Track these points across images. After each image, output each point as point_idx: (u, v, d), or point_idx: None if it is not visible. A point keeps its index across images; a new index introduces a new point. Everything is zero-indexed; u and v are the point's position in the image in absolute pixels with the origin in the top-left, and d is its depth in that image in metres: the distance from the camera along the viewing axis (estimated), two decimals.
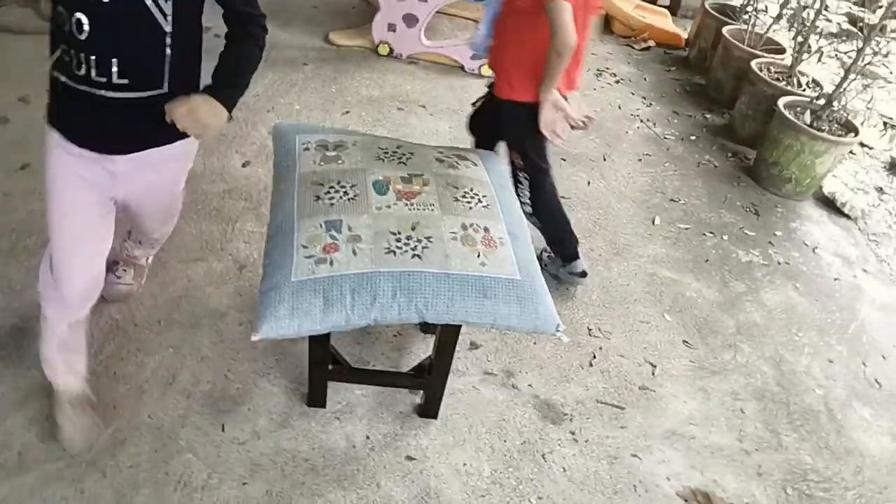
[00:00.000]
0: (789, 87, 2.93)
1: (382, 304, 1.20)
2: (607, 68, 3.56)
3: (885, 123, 3.47)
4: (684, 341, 2.00)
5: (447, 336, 1.43)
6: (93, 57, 1.08)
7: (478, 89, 3.09)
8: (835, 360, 2.04)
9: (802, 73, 3.05)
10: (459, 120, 2.87)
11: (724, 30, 3.38)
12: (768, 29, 3.31)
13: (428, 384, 1.57)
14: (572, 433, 1.66)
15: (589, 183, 2.61)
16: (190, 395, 1.58)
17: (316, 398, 1.58)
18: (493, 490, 1.51)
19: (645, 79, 3.55)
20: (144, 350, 1.66)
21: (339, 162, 1.43)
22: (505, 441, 1.61)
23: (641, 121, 3.13)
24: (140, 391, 1.56)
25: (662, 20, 4.11)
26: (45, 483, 1.36)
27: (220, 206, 2.14)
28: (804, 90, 2.95)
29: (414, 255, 1.26)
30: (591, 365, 1.86)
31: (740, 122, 3.10)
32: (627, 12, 3.96)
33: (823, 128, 2.65)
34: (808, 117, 2.67)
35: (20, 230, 1.90)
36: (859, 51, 2.64)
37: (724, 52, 3.35)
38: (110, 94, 1.13)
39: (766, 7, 3.45)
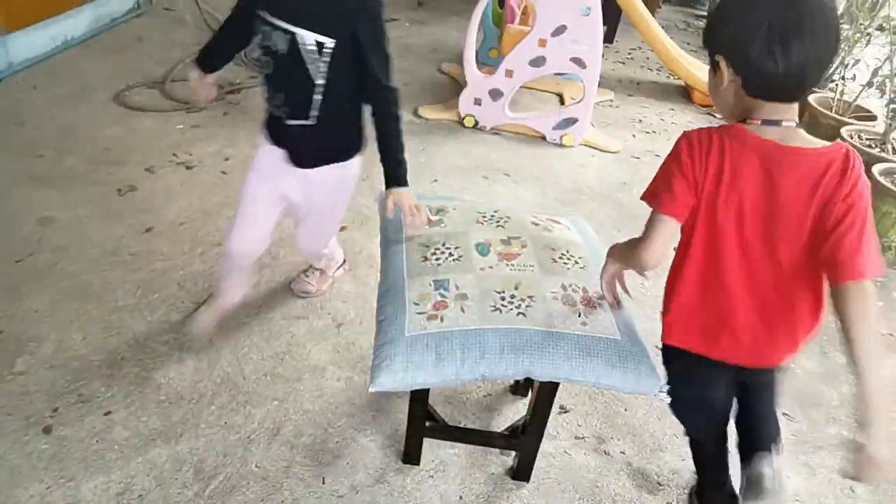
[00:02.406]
0: (883, 154, 2.87)
1: (490, 360, 1.25)
2: None
3: None
4: (784, 413, 1.92)
5: (544, 396, 1.45)
6: (272, 88, 1.53)
7: (559, 158, 3.21)
8: None
9: None
10: (542, 187, 2.96)
11: (811, 97, 3.36)
12: (857, 96, 3.28)
13: (522, 445, 1.58)
14: None
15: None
16: (293, 446, 1.65)
17: (411, 455, 1.62)
18: None
19: None
20: (252, 402, 1.76)
21: (442, 225, 1.53)
22: None
23: None
24: (248, 441, 1.65)
25: None
26: None
27: None
28: None
29: (519, 313, 1.31)
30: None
31: None
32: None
33: None
34: None
35: (144, 287, 2.09)
36: None
37: (812, 119, 3.33)
38: (279, 114, 1.57)
39: (855, 75, 3.42)
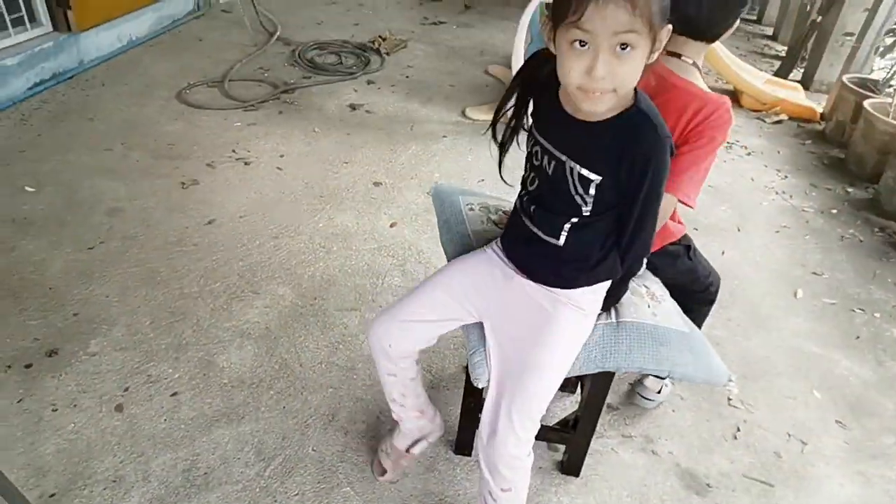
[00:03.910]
0: None
1: None
2: (737, 141, 3.55)
3: None
4: (837, 421, 1.90)
5: (598, 390, 1.48)
6: (527, 198, 1.28)
7: None
8: None
9: None
10: None
11: (866, 103, 3.29)
12: None
13: (573, 439, 1.61)
14: None
15: (723, 252, 2.59)
16: (347, 432, 1.71)
17: (463, 445, 1.66)
18: None
19: (778, 152, 3.50)
20: (308, 388, 1.82)
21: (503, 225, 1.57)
22: None
23: (776, 193, 3.08)
24: (305, 426, 1.72)
25: (795, 94, 4.06)
26: (224, 501, 1.52)
27: (371, 262, 2.34)
28: None
29: None
30: (734, 438, 1.81)
31: (887, 198, 2.97)
32: (758, 87, 3.95)
33: None
34: None
35: (207, 276, 2.18)
36: None
37: (867, 125, 3.25)
38: (527, 222, 1.28)
39: None
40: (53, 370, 1.79)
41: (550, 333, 1.25)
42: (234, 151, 2.90)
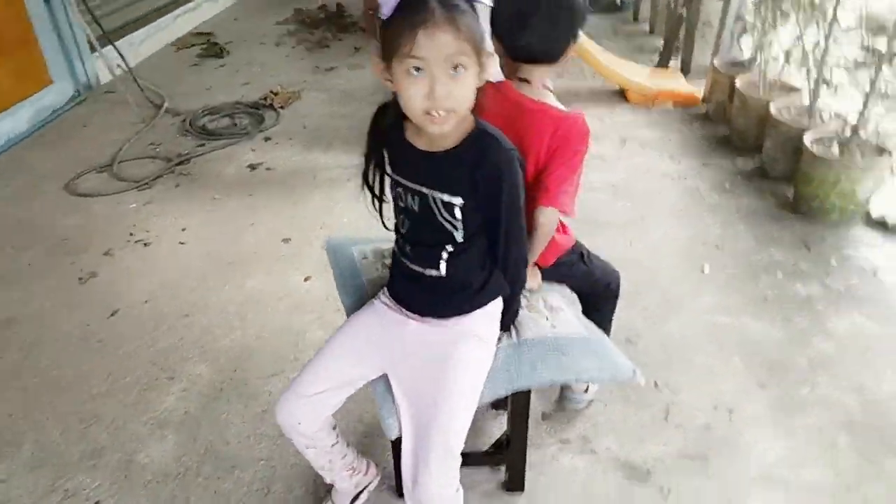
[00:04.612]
0: (812, 124, 3.00)
1: None
2: (630, 135, 3.70)
3: None
4: (758, 383, 1.98)
5: (519, 405, 1.49)
6: (402, 240, 1.32)
7: None
8: None
9: (822, 109, 3.12)
10: None
11: (738, 82, 3.51)
12: (780, 72, 3.42)
13: (508, 458, 1.61)
14: (661, 489, 1.65)
15: (631, 244, 2.68)
16: (285, 502, 1.65)
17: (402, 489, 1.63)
18: None
19: (669, 139, 3.67)
20: (239, 465, 1.76)
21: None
22: None
23: (672, 178, 3.22)
24: None
25: (676, 82, 4.28)
26: None
27: (289, 321, 2.29)
28: (827, 124, 3.00)
29: None
30: (665, 420, 1.86)
31: (771, 164, 3.16)
32: (640, 81, 4.15)
33: (855, 155, 2.68)
34: (835, 149, 2.72)
35: (116, 371, 2.08)
36: (875, 77, 2.70)
37: (741, 102, 3.46)
38: (406, 263, 1.32)
39: (779, 54, 3.56)
40: None
41: (453, 371, 1.25)
42: (131, 235, 2.81)
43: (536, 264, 1.52)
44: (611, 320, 1.81)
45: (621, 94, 4.22)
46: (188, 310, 2.35)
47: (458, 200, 1.19)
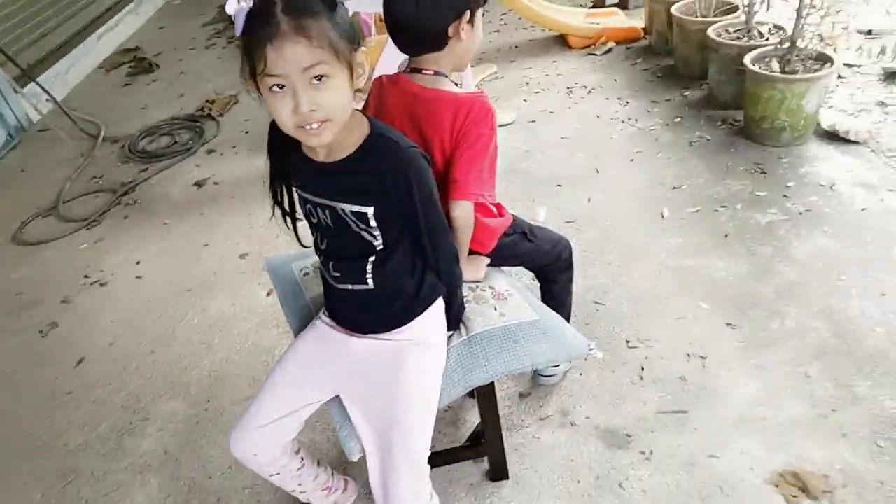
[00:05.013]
0: (752, 42, 2.94)
1: None
2: (576, 83, 3.63)
3: (865, 36, 3.40)
4: (727, 324, 1.97)
5: (485, 394, 1.47)
6: (322, 257, 1.28)
7: None
8: (887, 293, 1.97)
9: (761, 24, 3.06)
10: None
11: (674, 9, 3.43)
12: None
13: (487, 449, 1.60)
14: (642, 453, 1.66)
15: (589, 199, 2.65)
16: None
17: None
18: None
19: (615, 80, 3.61)
20: (223, 499, 1.74)
21: None
22: (579, 482, 1.62)
23: (623, 121, 3.17)
24: None
25: (615, 19, 4.18)
26: None
27: (257, 340, 2.26)
28: (768, 39, 2.95)
29: None
30: (641, 378, 1.85)
31: (718, 90, 3.11)
32: (579, 25, 4.05)
33: (797, 68, 2.64)
34: (775, 65, 2.67)
35: (89, 422, 2.05)
36: None
37: (680, 29, 3.39)
38: (333, 283, 1.27)
39: None
40: None
41: (404, 384, 1.23)
42: (86, 277, 2.74)
43: (478, 252, 1.48)
44: (570, 291, 1.78)
45: (562, 41, 4.12)
46: (153, 346, 2.31)
47: (368, 209, 1.14)
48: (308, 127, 1.02)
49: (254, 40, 0.97)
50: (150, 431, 1.98)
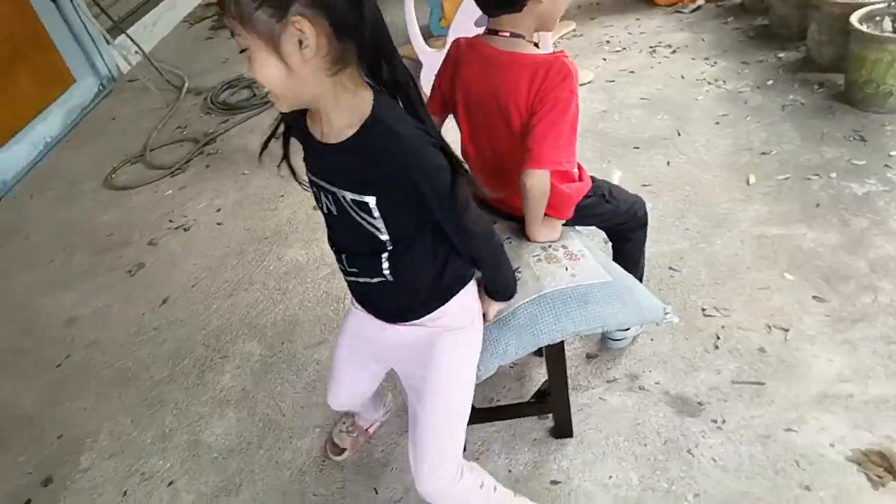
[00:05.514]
0: None
1: (495, 352, 1.31)
2: (660, 42, 3.47)
3: None
4: (814, 297, 1.87)
5: (553, 353, 1.47)
6: (335, 249, 1.20)
7: None
8: None
9: None
10: None
11: None
12: None
13: (552, 406, 1.60)
14: (714, 421, 1.61)
15: (668, 163, 2.54)
16: (343, 467, 1.71)
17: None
18: (645, 497, 1.49)
19: (703, 39, 3.42)
20: (296, 435, 1.82)
21: None
22: (646, 445, 1.60)
23: (709, 83, 3.01)
24: (301, 473, 1.72)
25: None
26: None
27: (329, 288, 2.32)
28: None
29: None
30: (716, 347, 1.79)
31: (817, 51, 2.90)
32: None
33: None
34: (887, 24, 2.45)
35: (174, 357, 2.18)
36: None
37: None
38: (350, 278, 1.21)
39: None
40: (53, 499, 1.80)
41: (437, 373, 1.22)
42: (171, 221, 2.88)
43: (553, 216, 1.44)
44: (643, 251, 1.73)
45: None
46: (232, 289, 2.41)
47: (370, 199, 1.03)
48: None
49: None
50: (229, 369, 2.08)
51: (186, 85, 4.05)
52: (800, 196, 2.24)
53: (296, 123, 1.09)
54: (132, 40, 4.13)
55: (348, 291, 1.29)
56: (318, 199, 1.13)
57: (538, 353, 1.86)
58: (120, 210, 3.05)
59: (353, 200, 1.04)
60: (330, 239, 1.21)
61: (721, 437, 1.57)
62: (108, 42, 4.15)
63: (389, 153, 0.99)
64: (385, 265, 1.13)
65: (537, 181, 1.28)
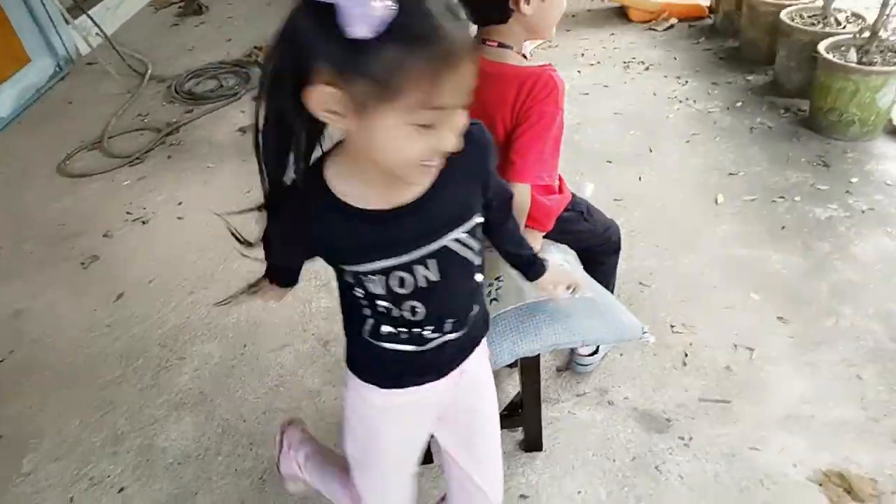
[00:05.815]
0: (827, 29, 2.80)
1: None
2: (633, 58, 3.52)
3: None
4: (778, 318, 1.91)
5: (527, 366, 1.45)
6: (430, 328, 0.95)
7: None
8: None
9: (839, 10, 2.91)
10: None
11: None
12: None
13: (523, 419, 1.59)
14: (681, 438, 1.62)
15: (640, 178, 2.57)
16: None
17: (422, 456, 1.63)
18: None
19: (675, 58, 3.48)
20: (256, 442, 1.76)
21: None
22: (614, 460, 1.60)
23: (680, 101, 3.07)
24: (262, 482, 1.66)
25: None
26: None
27: (295, 289, 2.24)
28: (844, 27, 2.81)
29: (492, 300, 1.32)
30: (684, 364, 1.81)
31: (785, 77, 2.98)
32: None
33: (875, 60, 2.51)
34: (853, 55, 2.54)
35: (127, 356, 2.08)
36: None
37: (750, 10, 3.25)
38: (434, 343, 0.98)
39: None
40: None
41: (486, 387, 1.15)
42: (128, 213, 2.76)
43: (534, 228, 1.43)
44: (614, 274, 1.74)
45: (622, 13, 3.99)
46: (192, 287, 2.32)
47: (478, 218, 0.90)
48: (430, 161, 0.78)
49: (417, 57, 0.68)
50: (187, 371, 2.00)
51: (150, 71, 3.91)
52: (766, 218, 2.29)
53: (314, 204, 0.84)
54: (93, 21, 3.96)
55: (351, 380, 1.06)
56: (387, 286, 0.88)
57: (512, 364, 1.85)
58: (74, 198, 2.91)
59: (465, 234, 0.88)
60: (397, 321, 0.94)
61: (688, 455, 1.58)
62: (67, 22, 3.97)
63: (478, 148, 0.87)
64: (475, 294, 0.98)
65: (520, 195, 1.26)
